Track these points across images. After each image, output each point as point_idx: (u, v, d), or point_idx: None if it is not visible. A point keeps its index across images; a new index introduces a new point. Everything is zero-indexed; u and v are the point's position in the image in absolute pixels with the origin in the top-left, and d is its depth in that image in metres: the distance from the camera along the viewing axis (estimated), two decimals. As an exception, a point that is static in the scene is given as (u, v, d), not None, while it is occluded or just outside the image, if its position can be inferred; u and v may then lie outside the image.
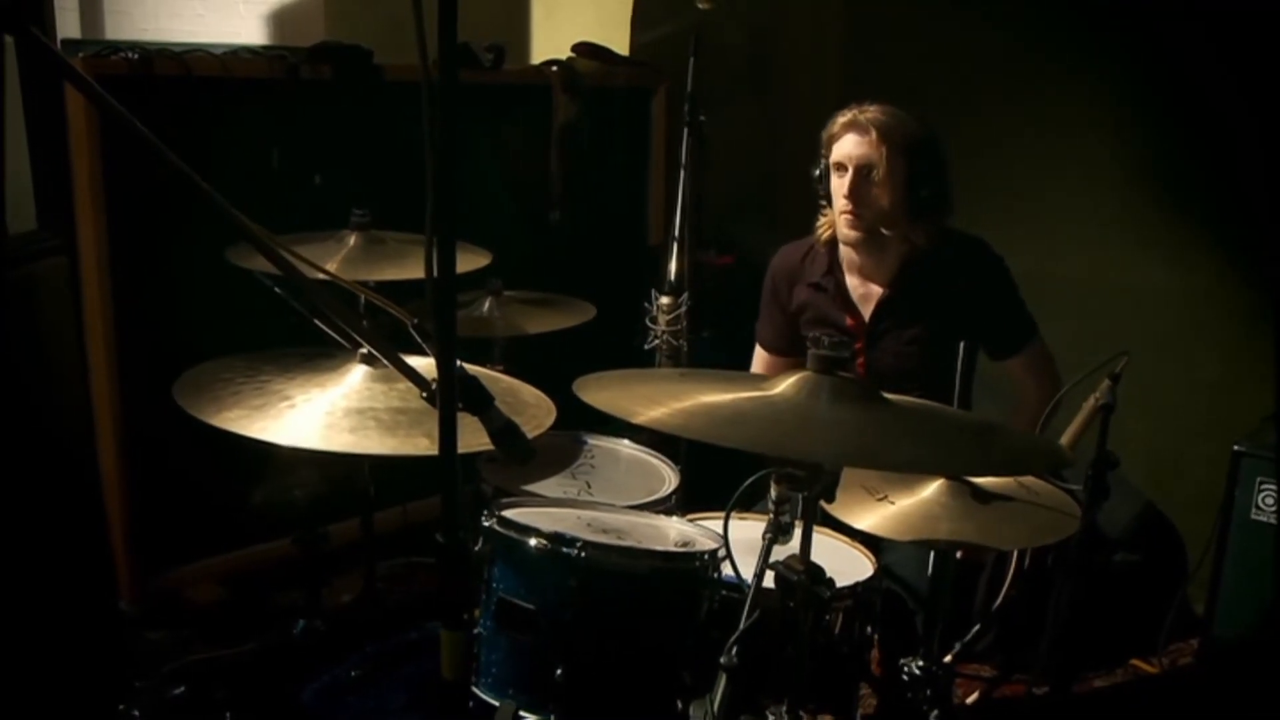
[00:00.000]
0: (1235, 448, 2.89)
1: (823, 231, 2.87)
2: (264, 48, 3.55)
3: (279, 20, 3.75)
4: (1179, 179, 3.44)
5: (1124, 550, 3.29)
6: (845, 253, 2.87)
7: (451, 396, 1.42)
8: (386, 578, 3.24)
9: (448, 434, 1.40)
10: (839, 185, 2.76)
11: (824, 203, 2.85)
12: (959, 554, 2.38)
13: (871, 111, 2.73)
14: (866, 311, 2.86)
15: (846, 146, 2.73)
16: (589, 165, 3.97)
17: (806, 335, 2.91)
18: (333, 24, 3.77)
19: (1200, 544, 3.07)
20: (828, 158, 2.79)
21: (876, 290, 2.86)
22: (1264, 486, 2.86)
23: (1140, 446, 2.82)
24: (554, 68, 3.86)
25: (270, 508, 3.16)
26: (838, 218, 2.79)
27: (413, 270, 2.53)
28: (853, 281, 2.89)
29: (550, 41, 4.22)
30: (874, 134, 2.70)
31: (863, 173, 2.71)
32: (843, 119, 2.75)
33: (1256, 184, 3.19)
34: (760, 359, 3.12)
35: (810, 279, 2.94)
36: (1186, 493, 3.36)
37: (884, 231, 2.76)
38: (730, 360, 3.22)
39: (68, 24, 3.21)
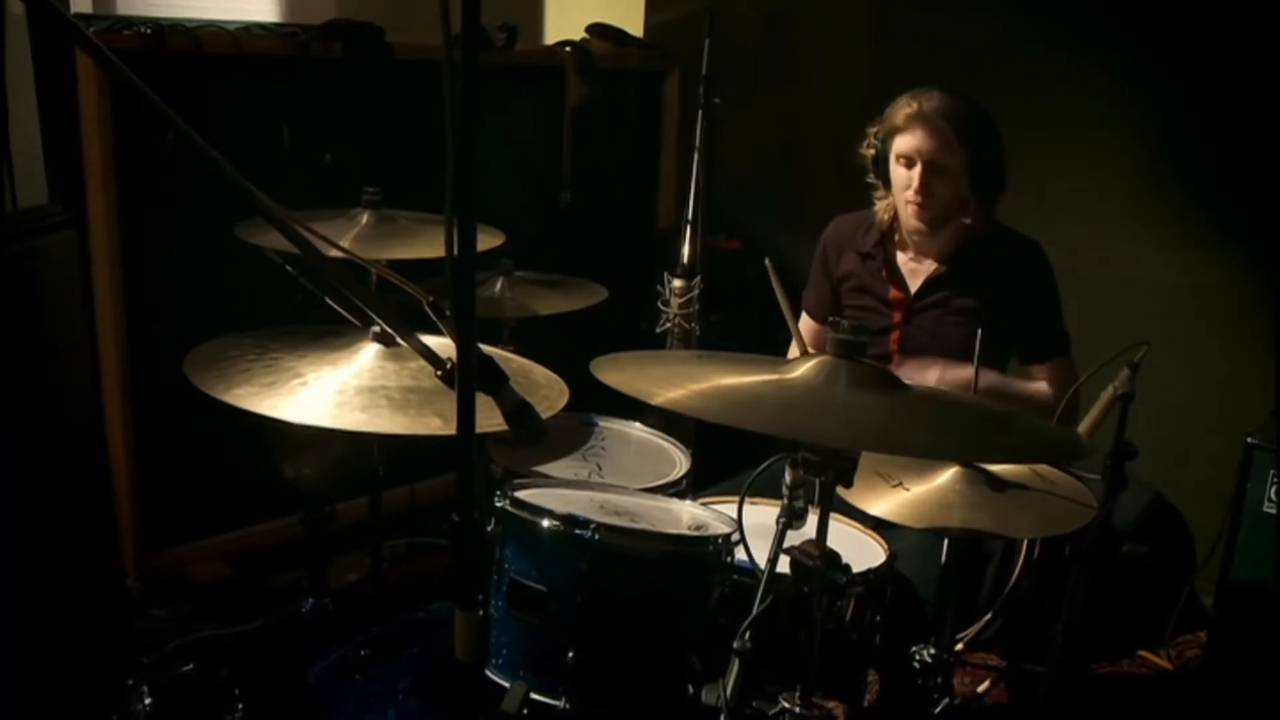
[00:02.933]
0: (1248, 440, 2.88)
1: (882, 213, 2.89)
2: (275, 25, 3.53)
3: (289, -3, 3.73)
4: (1190, 174, 3.43)
5: (1132, 542, 3.28)
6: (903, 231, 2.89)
7: (470, 375, 1.40)
8: (389, 558, 3.23)
9: (466, 413, 1.38)
10: (905, 177, 2.77)
11: (878, 183, 2.86)
12: None
13: (935, 100, 2.72)
14: (914, 285, 2.88)
15: (914, 141, 2.73)
16: (601, 147, 3.96)
17: (846, 305, 2.94)
18: (343, 1, 3.75)
19: (1209, 536, 3.06)
20: (888, 147, 2.79)
21: (929, 265, 2.87)
22: (1276, 480, 2.84)
23: (1149, 439, 2.80)
24: (567, 48, 3.85)
25: (304, 481, 3.15)
26: (903, 207, 2.81)
27: (424, 249, 2.52)
28: (903, 256, 2.91)
29: (563, 22, 4.20)
30: (943, 127, 2.70)
31: (932, 168, 2.72)
32: (907, 110, 2.73)
33: (1258, 177, 3.18)
34: (805, 325, 3.13)
35: (860, 248, 2.96)
36: (1195, 486, 3.34)
37: (947, 219, 2.78)
38: (738, 344, 3.20)
39: (79, -1, 3.20)
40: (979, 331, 2.28)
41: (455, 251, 1.36)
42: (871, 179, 2.88)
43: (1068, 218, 3.61)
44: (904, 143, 2.74)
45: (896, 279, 2.90)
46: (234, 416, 1.88)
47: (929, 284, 2.86)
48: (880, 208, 2.89)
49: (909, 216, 2.80)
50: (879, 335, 2.86)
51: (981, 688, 2.90)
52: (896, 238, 2.92)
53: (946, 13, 3.80)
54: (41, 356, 2.56)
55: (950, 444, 1.83)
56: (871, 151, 2.83)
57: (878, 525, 2.27)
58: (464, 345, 1.39)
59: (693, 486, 2.57)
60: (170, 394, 2.11)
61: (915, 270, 2.90)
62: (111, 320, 2.92)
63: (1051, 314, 2.85)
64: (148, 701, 2.10)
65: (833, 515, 2.18)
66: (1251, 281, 3.34)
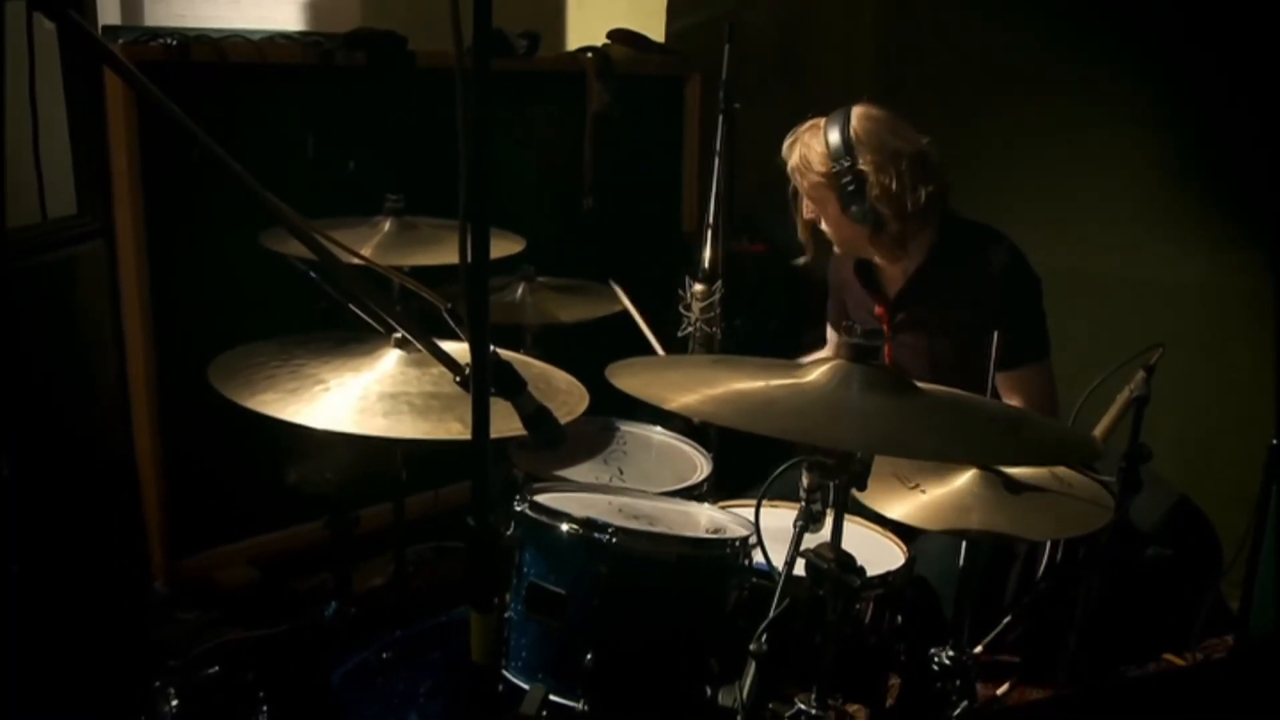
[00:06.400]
0: (1274, 442, 2.86)
1: None
2: (299, 34, 3.56)
3: (314, 7, 3.76)
4: (1210, 174, 3.41)
5: (1156, 544, 3.26)
6: None
7: (485, 380, 1.42)
8: (414, 562, 3.25)
9: (480, 418, 1.40)
10: None
11: None
12: None
13: (791, 151, 2.78)
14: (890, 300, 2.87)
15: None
16: (622, 152, 3.97)
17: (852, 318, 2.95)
18: (367, 10, 3.79)
19: (1235, 539, 3.05)
20: None
21: (899, 279, 2.85)
22: (1302, 482, 2.82)
23: (1173, 441, 2.80)
24: (588, 55, 3.86)
25: (305, 487, 3.17)
26: None
27: (446, 256, 2.54)
28: (882, 268, 2.89)
29: (584, 28, 4.22)
30: (796, 183, 2.79)
31: (807, 196, 2.79)
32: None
33: (1277, 177, 3.16)
34: (829, 335, 3.19)
35: (849, 259, 2.95)
36: (1220, 488, 3.32)
37: (872, 252, 2.78)
38: (761, 348, 3.21)
39: (108, 10, 3.23)
40: (995, 335, 2.27)
41: (468, 258, 1.38)
42: None
43: (1088, 220, 3.60)
44: None
45: (878, 293, 2.88)
46: (259, 421, 1.92)
47: (898, 299, 2.83)
48: None
49: None
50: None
51: (1001, 690, 2.89)
52: None
53: (961, 18, 3.80)
54: (71, 364, 2.60)
55: (962, 446, 1.84)
56: None
57: (901, 529, 2.28)
58: (478, 351, 1.41)
59: (714, 490, 2.58)
60: (197, 400, 2.14)
61: (891, 283, 2.86)
62: (139, 328, 2.95)
63: (1023, 311, 2.68)
64: (174, 704, 2.13)
65: (853, 519, 2.21)
66: (1273, 282, 3.31)
